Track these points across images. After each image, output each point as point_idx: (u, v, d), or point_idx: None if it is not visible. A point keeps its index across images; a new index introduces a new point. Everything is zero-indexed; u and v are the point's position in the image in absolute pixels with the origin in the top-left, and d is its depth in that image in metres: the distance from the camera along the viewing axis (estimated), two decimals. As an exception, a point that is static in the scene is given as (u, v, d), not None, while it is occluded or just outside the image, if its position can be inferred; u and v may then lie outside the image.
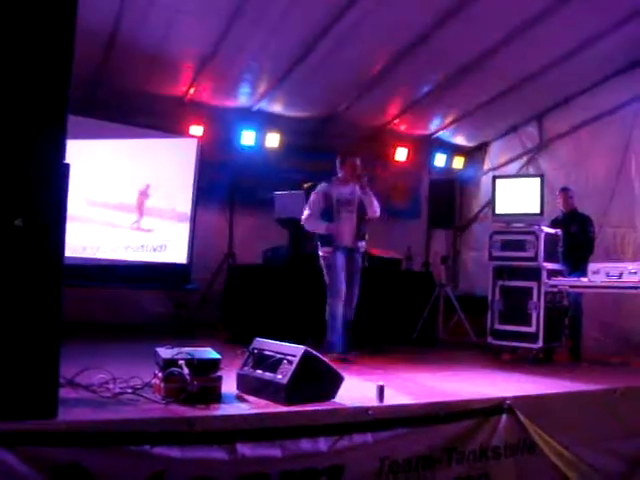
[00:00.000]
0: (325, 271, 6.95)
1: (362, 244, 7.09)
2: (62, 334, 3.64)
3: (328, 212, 6.96)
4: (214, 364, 4.44)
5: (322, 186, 7.06)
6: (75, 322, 7.32)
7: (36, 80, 3.58)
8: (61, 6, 3.66)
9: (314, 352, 4.55)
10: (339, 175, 7.10)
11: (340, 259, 6.89)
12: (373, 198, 7.01)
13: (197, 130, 9.41)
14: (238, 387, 4.73)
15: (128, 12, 7.08)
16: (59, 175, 3.65)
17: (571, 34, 7.73)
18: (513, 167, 10.61)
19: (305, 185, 8.01)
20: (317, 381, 4.48)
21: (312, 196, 7.07)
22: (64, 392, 4.01)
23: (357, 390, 4.98)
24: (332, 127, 9.89)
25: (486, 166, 11.26)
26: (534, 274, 7.39)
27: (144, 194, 9.12)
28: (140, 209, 9.14)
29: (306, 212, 7.01)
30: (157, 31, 7.47)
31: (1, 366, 3.44)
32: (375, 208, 7.04)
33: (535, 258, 7.39)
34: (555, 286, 7.36)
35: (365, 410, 4.33)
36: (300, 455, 4.00)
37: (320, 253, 6.99)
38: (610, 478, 5.17)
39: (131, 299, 9.16)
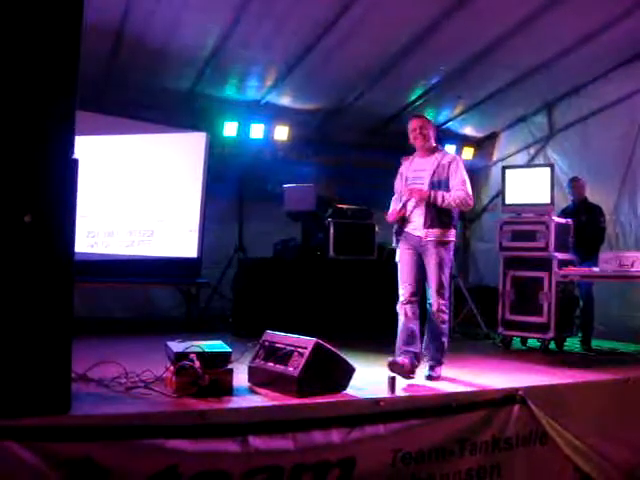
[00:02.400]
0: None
1: (434, 232, 5.59)
2: (73, 329, 3.66)
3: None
4: (225, 357, 4.45)
5: (402, 162, 5.98)
6: (86, 317, 7.38)
7: (45, 76, 3.60)
8: (69, 2, 3.66)
9: (325, 344, 4.55)
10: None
11: (404, 251, 5.73)
12: (458, 178, 5.68)
13: (206, 124, 9.40)
14: (249, 380, 4.75)
15: (135, 8, 7.08)
16: (68, 171, 3.66)
17: (579, 24, 7.68)
18: (522, 157, 10.57)
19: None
20: (328, 373, 4.49)
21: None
22: (77, 387, 4.04)
23: (369, 381, 5.00)
24: (341, 119, 9.87)
25: (495, 156, 11.22)
26: (545, 264, 7.37)
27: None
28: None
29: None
30: (164, 26, 7.46)
31: (14, 362, 3.46)
32: (458, 194, 5.62)
33: (546, 248, 7.37)
34: (566, 276, 7.33)
35: (377, 402, 4.35)
36: (312, 447, 4.02)
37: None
38: (622, 468, 5.17)
39: (142, 294, 9.17)
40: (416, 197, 5.58)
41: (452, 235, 5.67)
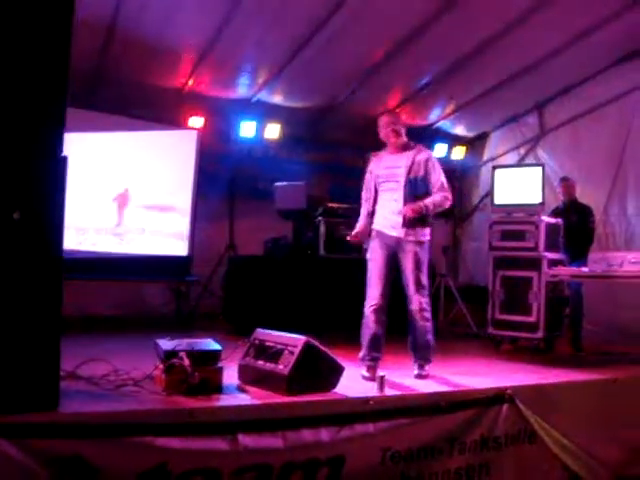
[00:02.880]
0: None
1: (412, 231, 5.48)
2: (62, 327, 3.65)
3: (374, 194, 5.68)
4: (215, 355, 4.45)
5: (369, 160, 5.83)
6: (76, 315, 7.36)
7: (34, 72, 3.58)
8: (59, -2, 3.66)
9: (315, 342, 4.55)
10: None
11: (377, 252, 5.61)
12: (436, 175, 5.58)
13: (197, 122, 9.39)
14: (239, 378, 4.75)
15: (126, 3, 7.06)
16: (57, 168, 3.65)
17: (570, 23, 7.71)
18: (513, 157, 10.61)
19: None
20: (318, 371, 4.49)
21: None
22: (66, 385, 4.03)
23: (358, 380, 5.00)
24: (332, 118, 9.88)
25: (486, 156, 11.26)
26: (534, 264, 7.38)
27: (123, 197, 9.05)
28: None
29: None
30: (156, 22, 7.44)
31: (2, 360, 3.44)
32: (442, 194, 5.59)
33: (535, 248, 7.38)
34: (556, 276, 7.35)
35: (366, 400, 4.35)
36: (302, 445, 4.02)
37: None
38: (611, 467, 5.19)
39: (132, 291, 9.16)
40: (413, 214, 5.36)
41: (429, 234, 5.61)
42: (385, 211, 5.55)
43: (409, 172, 5.47)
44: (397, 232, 5.45)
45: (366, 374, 5.29)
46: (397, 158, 5.57)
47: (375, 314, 5.51)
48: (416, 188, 5.45)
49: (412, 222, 5.41)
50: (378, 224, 5.58)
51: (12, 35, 3.52)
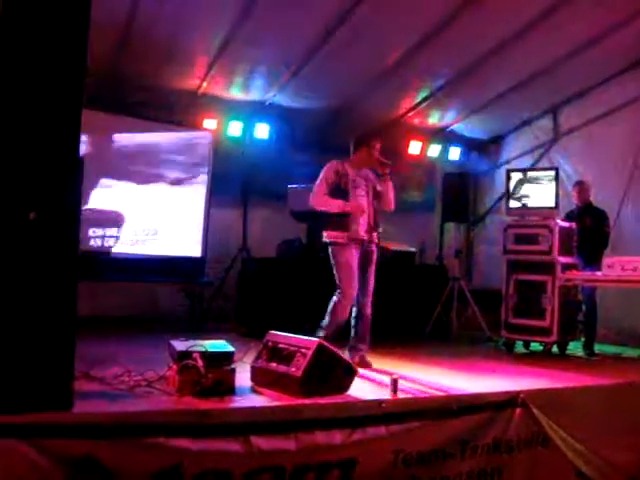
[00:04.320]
0: (335, 267, 6.09)
1: (376, 234, 6.25)
2: (77, 327, 3.67)
3: (338, 192, 6.14)
4: (228, 357, 4.46)
5: (334, 162, 6.27)
6: (90, 316, 7.38)
7: (51, 74, 3.60)
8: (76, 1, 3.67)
9: (328, 345, 4.56)
10: (351, 157, 6.36)
11: (354, 256, 6.06)
12: (391, 189, 6.35)
13: (211, 124, 9.41)
14: (252, 379, 4.76)
15: (142, 6, 7.09)
16: (73, 169, 3.67)
17: (584, 27, 7.68)
18: (527, 160, 10.57)
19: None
20: (331, 374, 4.50)
21: (321, 173, 6.24)
22: (79, 385, 4.05)
23: (371, 383, 5.01)
24: (345, 120, 9.85)
25: (500, 159, 11.22)
26: (548, 268, 7.36)
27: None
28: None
29: (314, 189, 6.21)
30: (170, 25, 7.46)
31: (17, 359, 3.47)
32: (391, 201, 6.38)
33: (549, 252, 7.37)
34: (569, 280, 7.34)
35: (379, 403, 4.35)
36: (314, 448, 4.02)
37: (329, 240, 6.13)
38: (625, 472, 5.16)
39: (145, 293, 9.18)
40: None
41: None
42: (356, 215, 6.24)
43: (375, 184, 6.42)
44: (366, 235, 6.24)
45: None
46: (368, 172, 6.43)
47: (351, 309, 6.17)
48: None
49: (377, 226, 6.32)
50: (353, 227, 6.23)
51: (29, 37, 3.55)
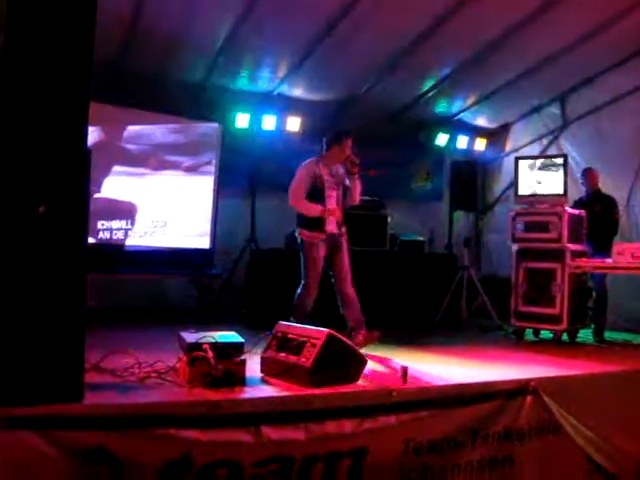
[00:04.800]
0: (303, 260, 6.51)
1: (344, 229, 6.66)
2: (86, 319, 3.68)
3: (314, 193, 6.48)
4: (238, 348, 4.46)
5: (310, 163, 6.59)
6: (99, 308, 7.40)
7: (58, 67, 3.60)
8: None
9: (338, 335, 4.56)
10: (324, 154, 6.68)
11: (321, 251, 6.46)
12: (359, 186, 6.68)
13: (218, 115, 9.40)
14: (262, 370, 4.76)
15: (147, -2, 7.11)
16: (81, 161, 3.67)
17: (593, 13, 7.63)
18: (535, 148, 10.54)
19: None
20: (341, 364, 4.50)
21: (297, 174, 6.58)
22: (90, 377, 4.06)
23: (381, 372, 5.01)
24: (353, 110, 9.84)
25: (508, 147, 11.19)
26: (558, 255, 7.35)
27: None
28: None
29: (292, 191, 6.54)
30: (176, 17, 7.46)
31: (28, 352, 3.48)
32: (357, 196, 6.73)
33: (559, 239, 7.34)
34: (579, 267, 7.32)
35: (389, 392, 4.35)
36: (324, 437, 4.03)
37: (301, 237, 6.52)
38: (635, 459, 5.15)
39: (154, 284, 9.20)
40: None
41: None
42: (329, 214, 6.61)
43: (344, 179, 6.75)
44: (336, 230, 6.63)
45: None
46: (339, 168, 6.70)
47: (312, 302, 6.52)
48: None
49: (344, 220, 6.72)
50: (326, 224, 6.58)
51: (36, 32, 3.55)
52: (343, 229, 6.64)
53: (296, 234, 6.62)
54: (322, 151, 6.73)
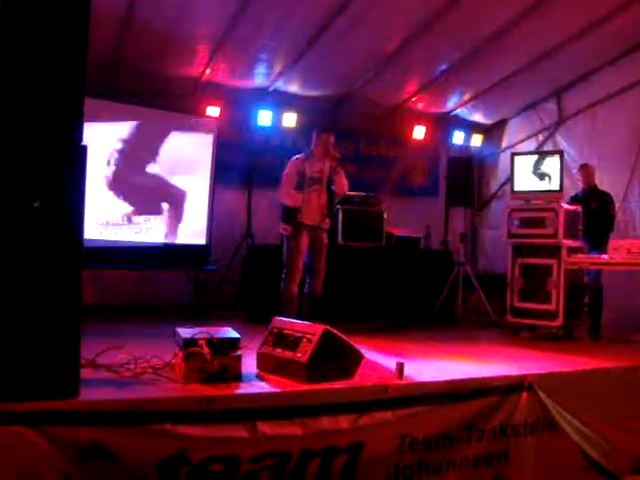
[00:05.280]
0: (284, 250, 6.89)
1: (327, 222, 7.00)
2: (82, 315, 3.67)
3: (299, 187, 6.87)
4: (234, 343, 4.46)
5: (297, 159, 7.00)
6: (95, 303, 7.40)
7: (54, 63, 3.59)
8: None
9: (334, 330, 4.56)
10: (312, 149, 7.04)
11: (303, 241, 6.81)
12: (343, 177, 7.01)
13: (214, 111, 9.39)
14: (258, 366, 4.76)
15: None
16: (77, 157, 3.66)
17: (588, 9, 7.64)
18: (531, 144, 10.54)
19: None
20: (337, 359, 4.50)
21: (287, 168, 6.99)
22: (85, 373, 4.05)
23: (377, 368, 5.00)
24: (349, 106, 9.85)
25: (504, 143, 11.19)
26: (554, 251, 7.35)
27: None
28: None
29: (282, 188, 6.96)
30: (172, 12, 7.44)
31: (24, 348, 3.48)
32: (344, 187, 7.05)
33: (555, 235, 7.34)
34: (575, 263, 7.32)
35: (385, 388, 4.35)
36: (320, 433, 4.03)
37: (284, 232, 6.87)
38: (631, 455, 5.16)
39: (150, 280, 9.19)
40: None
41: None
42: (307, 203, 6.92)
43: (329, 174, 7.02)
44: (315, 222, 6.92)
45: None
46: (323, 164, 6.97)
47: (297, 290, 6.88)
48: None
49: (328, 213, 7.03)
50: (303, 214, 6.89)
51: (31, 25, 3.54)
52: (325, 224, 6.97)
53: (281, 230, 6.93)
54: (311, 148, 7.07)
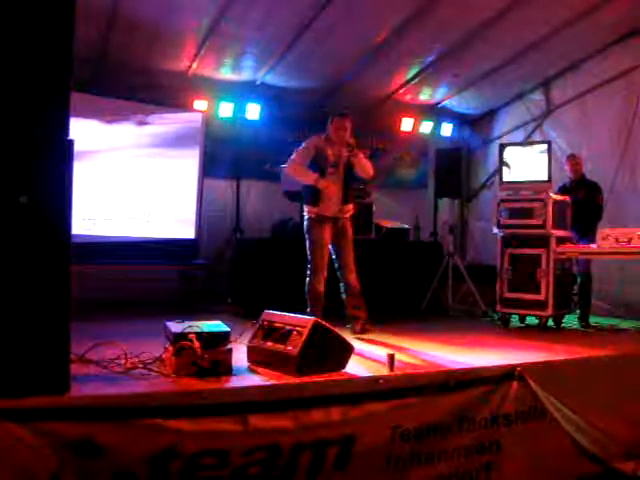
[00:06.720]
0: (307, 242, 6.56)
1: (349, 209, 6.68)
2: (71, 311, 3.66)
3: (316, 167, 6.49)
4: (224, 337, 4.45)
5: (315, 139, 6.62)
6: (84, 299, 7.36)
7: (38, 58, 3.57)
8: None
9: (324, 323, 4.56)
10: (328, 134, 6.63)
11: (325, 233, 6.49)
12: (363, 159, 6.63)
13: (201, 105, 9.38)
14: (248, 359, 4.75)
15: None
16: (63, 152, 3.64)
17: (575, 1, 7.66)
18: (520, 134, 10.56)
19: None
20: (327, 351, 4.50)
21: (303, 144, 6.62)
22: (76, 368, 4.04)
23: (367, 360, 5.01)
24: (337, 99, 9.83)
25: (492, 134, 11.21)
26: (543, 241, 7.36)
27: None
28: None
29: (293, 157, 6.58)
30: (158, 5, 7.42)
31: (12, 343, 3.46)
32: (368, 169, 6.68)
33: (543, 225, 7.36)
34: (564, 253, 7.34)
35: (376, 380, 4.35)
36: (312, 425, 4.03)
37: (305, 214, 6.60)
38: (622, 443, 5.19)
39: (140, 275, 9.17)
40: None
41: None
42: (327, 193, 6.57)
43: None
44: (336, 212, 6.63)
45: None
46: (342, 148, 6.58)
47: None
48: None
49: (349, 199, 6.70)
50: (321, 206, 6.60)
51: (15, 19, 3.51)
52: (347, 213, 6.65)
53: (305, 214, 6.65)
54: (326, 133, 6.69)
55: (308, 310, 6.32)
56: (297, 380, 4.23)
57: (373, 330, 6.47)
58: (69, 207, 3.68)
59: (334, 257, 6.62)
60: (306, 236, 6.57)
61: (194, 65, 8.83)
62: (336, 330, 4.65)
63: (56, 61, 3.62)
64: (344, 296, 6.62)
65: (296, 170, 6.56)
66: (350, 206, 6.70)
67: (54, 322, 3.57)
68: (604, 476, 5.06)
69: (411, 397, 4.40)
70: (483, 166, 11.41)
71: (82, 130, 8.29)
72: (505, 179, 8.01)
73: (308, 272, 6.54)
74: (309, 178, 6.45)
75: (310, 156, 6.49)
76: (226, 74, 9.22)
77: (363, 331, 6.33)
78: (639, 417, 5.34)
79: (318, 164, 6.47)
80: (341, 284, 6.64)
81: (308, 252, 6.54)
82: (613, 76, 8.98)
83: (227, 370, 4.33)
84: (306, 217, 6.59)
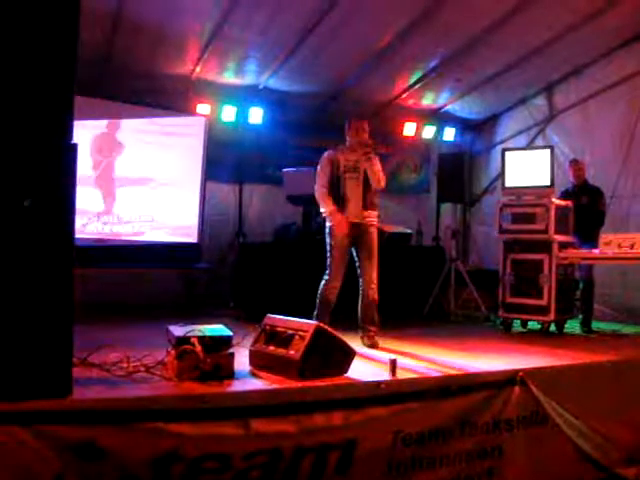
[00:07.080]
0: (327, 246, 6.40)
1: (372, 214, 6.43)
2: (74, 314, 3.66)
3: (334, 180, 6.40)
4: (226, 341, 4.46)
5: (329, 152, 6.54)
6: (87, 302, 7.36)
7: (43, 61, 3.59)
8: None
9: (326, 327, 4.56)
10: (347, 141, 6.57)
11: (345, 238, 6.30)
12: (374, 165, 6.37)
13: (204, 109, 9.38)
14: (251, 363, 4.76)
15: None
16: (67, 155, 3.66)
17: (580, 4, 7.65)
18: (522, 139, 10.55)
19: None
20: (329, 356, 4.50)
21: (320, 161, 6.53)
22: (78, 372, 4.05)
23: (369, 364, 5.01)
24: (339, 103, 9.83)
25: (495, 139, 11.20)
26: (545, 247, 7.36)
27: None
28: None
29: (317, 180, 6.49)
30: (162, 9, 7.42)
31: (16, 346, 3.47)
32: (378, 177, 6.38)
33: (546, 230, 7.36)
34: (566, 258, 7.34)
35: (378, 384, 4.36)
36: (313, 430, 4.03)
37: (328, 223, 6.41)
38: (623, 448, 5.18)
39: (142, 279, 9.16)
40: None
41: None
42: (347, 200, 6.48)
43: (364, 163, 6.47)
44: (357, 217, 6.44)
45: None
46: (357, 154, 6.47)
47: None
48: None
49: (371, 205, 6.48)
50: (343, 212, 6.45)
51: (21, 23, 3.53)
52: (367, 218, 6.38)
53: (326, 217, 6.51)
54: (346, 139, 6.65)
55: (315, 314, 6.24)
56: (299, 384, 4.24)
57: (377, 344, 6.19)
58: (73, 210, 3.69)
59: (357, 265, 6.44)
60: (326, 239, 6.44)
61: (197, 69, 8.84)
62: (338, 335, 4.65)
63: (61, 65, 3.63)
64: (360, 305, 6.40)
65: (320, 196, 6.46)
66: (372, 212, 6.44)
67: (57, 325, 3.58)
68: (606, 482, 5.07)
69: (413, 402, 4.40)
70: (486, 171, 11.39)
71: (84, 133, 8.32)
72: (507, 184, 8.00)
73: (325, 276, 6.38)
74: (327, 208, 6.38)
75: (328, 173, 6.42)
76: (229, 78, 9.22)
77: (372, 345, 6.12)
78: (640, 422, 5.34)
79: (335, 176, 6.42)
80: (360, 294, 6.42)
81: (327, 255, 6.40)
82: (616, 81, 8.97)
83: (229, 374, 4.34)
84: (328, 220, 6.46)
